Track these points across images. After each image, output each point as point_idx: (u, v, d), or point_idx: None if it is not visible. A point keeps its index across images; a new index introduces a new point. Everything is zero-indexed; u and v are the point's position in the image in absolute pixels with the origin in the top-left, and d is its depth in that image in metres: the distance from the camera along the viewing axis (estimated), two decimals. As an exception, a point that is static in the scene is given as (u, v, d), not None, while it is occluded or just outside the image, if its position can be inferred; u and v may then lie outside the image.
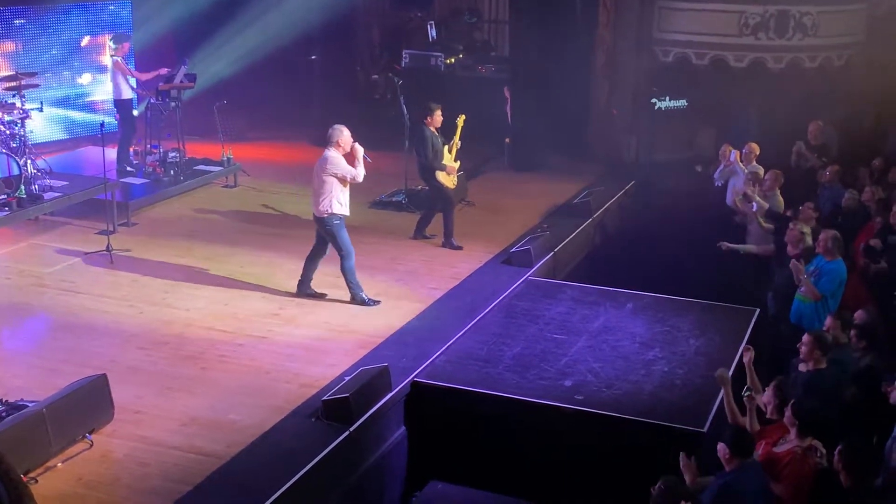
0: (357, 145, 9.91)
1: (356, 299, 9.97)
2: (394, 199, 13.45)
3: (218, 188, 14.30)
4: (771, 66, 15.37)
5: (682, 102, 16.45)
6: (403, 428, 8.22)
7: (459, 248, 11.73)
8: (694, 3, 15.57)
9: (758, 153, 12.76)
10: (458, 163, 12.07)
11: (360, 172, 9.87)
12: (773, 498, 6.01)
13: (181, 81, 14.22)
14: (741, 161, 12.67)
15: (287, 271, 10.82)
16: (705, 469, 6.37)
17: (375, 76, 18.56)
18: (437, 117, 11.81)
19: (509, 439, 7.91)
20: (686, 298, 10.20)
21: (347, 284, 10.00)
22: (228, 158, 14.38)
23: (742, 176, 12.37)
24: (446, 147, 11.90)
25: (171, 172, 13.81)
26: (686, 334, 9.30)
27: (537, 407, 7.89)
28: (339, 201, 9.79)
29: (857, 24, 16.02)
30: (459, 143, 12.05)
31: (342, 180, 9.76)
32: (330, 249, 10.11)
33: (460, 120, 12.08)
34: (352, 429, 7.49)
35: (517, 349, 8.92)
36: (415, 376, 8.34)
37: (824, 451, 6.08)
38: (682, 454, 6.17)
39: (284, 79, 17.53)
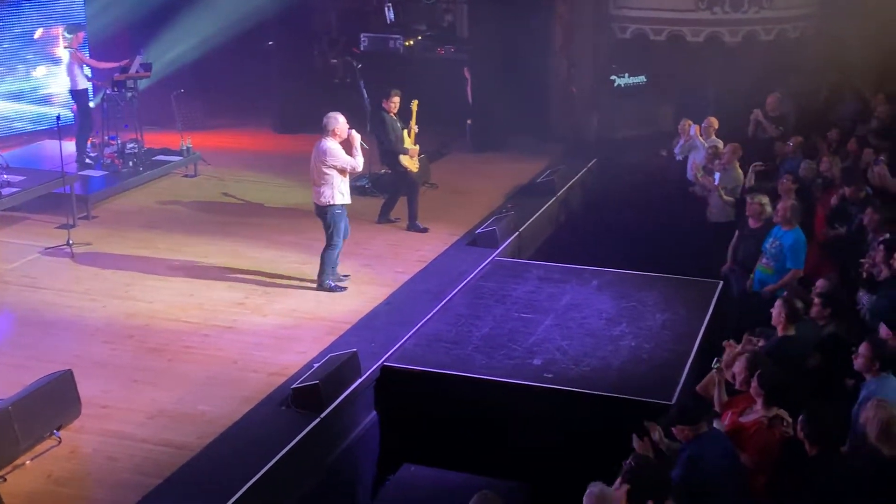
0: (353, 132, 9.82)
1: (322, 286, 9.93)
2: (357, 183, 13.33)
3: (178, 178, 14.17)
4: (727, 39, 15.46)
5: (641, 79, 16.53)
6: (374, 412, 8.21)
7: (425, 230, 11.72)
8: (649, -21, 15.62)
9: (716, 127, 12.87)
10: (418, 146, 12.05)
11: (359, 161, 9.80)
12: (740, 467, 6.08)
13: (137, 71, 14.05)
14: (700, 135, 12.76)
15: (251, 259, 10.77)
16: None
17: (334, 60, 18.46)
18: (395, 102, 11.77)
19: (480, 420, 7.92)
20: (651, 273, 10.27)
21: (320, 269, 9.95)
22: (188, 148, 14.26)
23: (702, 150, 12.47)
24: (405, 131, 11.87)
25: (130, 164, 13.67)
26: (652, 308, 9.36)
27: (507, 386, 7.91)
28: (340, 192, 9.73)
29: (811, -5, 16.16)
30: (416, 127, 12.03)
31: (342, 171, 9.68)
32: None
33: (414, 105, 12.08)
34: (322, 415, 7.48)
35: (485, 330, 8.93)
36: (384, 360, 8.33)
37: (790, 420, 6.15)
38: (633, 435, 6.19)
39: (242, 65, 17.41)
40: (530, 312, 9.31)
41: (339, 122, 9.74)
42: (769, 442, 6.19)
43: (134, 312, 9.50)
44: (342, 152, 9.67)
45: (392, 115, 11.76)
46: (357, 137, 9.81)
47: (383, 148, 11.88)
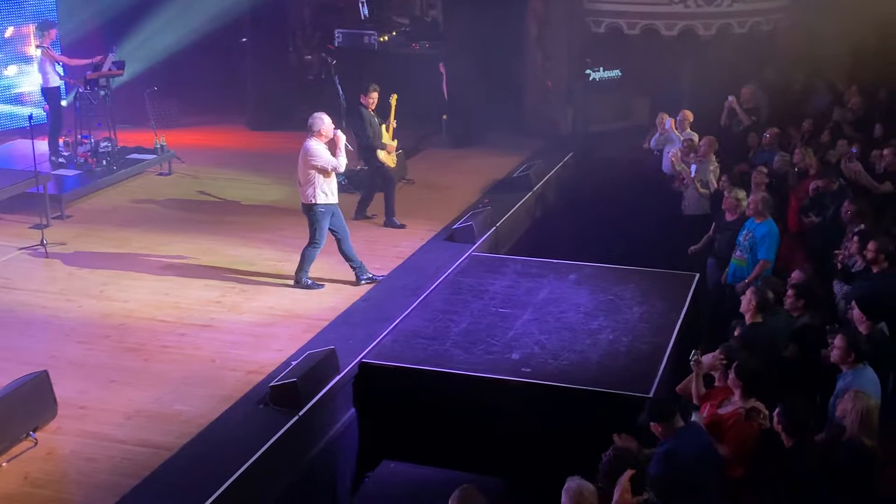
0: (339, 133, 9.80)
1: (300, 282, 9.91)
2: (333, 180, 13.34)
3: (152, 177, 14.08)
4: (701, 33, 15.53)
5: (616, 73, 16.59)
6: (353, 409, 8.20)
7: (402, 226, 11.71)
8: (623, -27, 15.66)
9: (691, 120, 12.92)
10: (396, 141, 12.03)
11: (341, 162, 9.76)
12: (718, 459, 6.11)
13: (109, 69, 13.93)
14: (676, 128, 12.81)
15: (227, 257, 10.72)
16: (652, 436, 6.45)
17: (309, 56, 18.40)
18: (374, 98, 11.74)
19: (459, 415, 7.94)
20: (627, 266, 10.32)
21: (299, 265, 9.91)
22: (162, 146, 14.17)
23: (677, 143, 12.52)
24: (383, 126, 11.85)
25: (104, 163, 13.56)
26: (629, 302, 9.41)
27: (486, 381, 7.93)
28: (323, 191, 9.68)
29: (783, -11, 16.26)
30: (395, 122, 12.00)
31: (323, 171, 9.66)
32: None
33: (393, 99, 12.05)
34: (301, 413, 7.45)
35: (463, 325, 8.94)
36: (362, 357, 8.32)
37: (767, 412, 6.19)
38: (614, 435, 6.21)
39: (216, 62, 17.33)
40: (508, 307, 9.33)
41: (324, 122, 9.72)
42: (747, 433, 6.24)
43: (110, 312, 9.43)
44: (325, 152, 9.65)
45: (370, 110, 11.73)
46: (342, 138, 9.79)
47: (360, 143, 11.84)
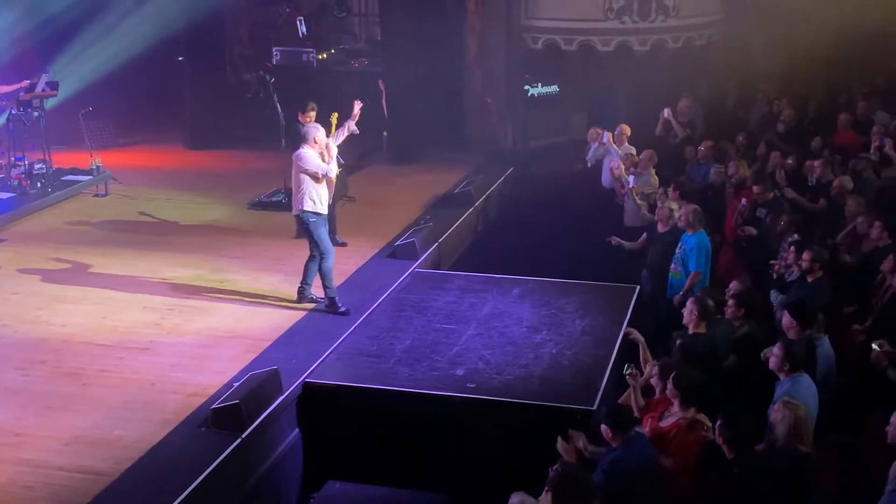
0: (330, 143, 9.80)
1: (331, 304, 9.72)
2: (273, 198, 13.27)
3: (88, 198, 13.86)
4: (636, 48, 15.76)
5: (554, 88, 16.74)
6: (297, 430, 8.13)
7: (343, 244, 11.63)
8: (558, -10, 15.84)
9: (629, 134, 13.09)
10: (341, 160, 11.94)
11: (332, 169, 9.72)
12: (659, 470, 6.17)
13: (43, 90, 13.72)
14: (614, 142, 12.97)
15: (166, 278, 10.58)
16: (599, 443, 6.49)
17: (247, 75, 18.28)
18: (312, 116, 11.68)
19: (405, 432, 7.92)
20: (569, 280, 10.39)
21: (323, 286, 9.74)
22: (97, 167, 13.97)
23: (615, 155, 12.66)
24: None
25: (38, 185, 13.34)
26: (571, 315, 9.48)
27: (430, 398, 7.92)
28: (311, 198, 9.57)
29: (715, 4, 16.58)
30: (337, 141, 11.92)
31: (314, 177, 9.58)
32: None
33: (334, 118, 11.98)
34: (244, 435, 7.36)
35: (407, 342, 8.93)
36: (306, 377, 8.26)
37: (710, 424, 6.26)
38: (558, 438, 6.24)
39: (152, 82, 17.12)
40: (452, 323, 9.34)
41: (319, 131, 9.74)
42: (690, 443, 6.30)
43: (46, 337, 9.25)
44: (316, 158, 9.62)
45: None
46: (334, 149, 9.79)
47: None
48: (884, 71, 16.04)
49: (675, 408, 6.46)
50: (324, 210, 9.73)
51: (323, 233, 9.72)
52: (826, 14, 15.76)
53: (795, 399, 6.22)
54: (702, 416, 6.35)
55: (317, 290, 9.85)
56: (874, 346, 7.16)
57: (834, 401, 7.03)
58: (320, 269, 9.75)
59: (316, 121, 11.68)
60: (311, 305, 9.85)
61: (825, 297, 8.18)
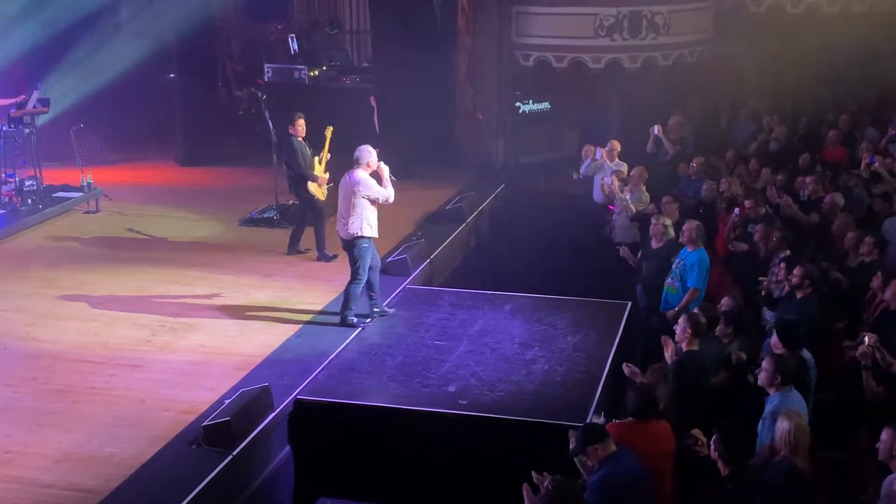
0: (382, 164, 9.62)
1: (345, 320, 9.67)
2: (265, 215, 13.27)
3: (80, 214, 13.85)
4: (627, 65, 15.82)
5: (545, 105, 16.80)
6: (288, 447, 8.10)
7: (334, 257, 11.61)
8: (549, 8, 15.90)
9: (619, 150, 13.16)
10: (328, 174, 11.97)
11: (391, 193, 9.61)
12: (650, 481, 6.16)
13: (34, 107, 13.72)
14: (606, 158, 13.02)
15: (157, 295, 10.55)
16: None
17: (238, 92, 18.31)
18: (300, 126, 11.70)
19: (396, 449, 7.90)
20: (561, 296, 10.40)
21: (344, 304, 9.70)
22: (89, 183, 13.96)
23: (608, 171, 12.72)
24: (316, 158, 11.80)
25: (29, 201, 13.33)
26: (563, 331, 9.48)
27: (422, 415, 7.90)
28: (369, 223, 9.50)
29: (706, 21, 16.66)
30: (329, 154, 11.96)
31: (374, 202, 9.52)
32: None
33: (328, 132, 12.00)
34: (235, 453, 7.33)
35: (399, 359, 8.92)
36: (297, 394, 8.24)
37: (704, 439, 6.26)
38: (533, 472, 6.17)
39: (143, 99, 17.12)
40: (444, 339, 9.34)
41: (371, 154, 9.58)
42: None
43: (37, 354, 9.21)
44: (375, 183, 9.52)
45: (299, 139, 11.68)
46: (386, 170, 9.63)
47: (292, 173, 11.74)
48: (873, 87, 16.13)
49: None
50: (376, 234, 9.66)
51: (368, 260, 9.63)
52: (815, 31, 15.88)
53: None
54: (697, 431, 6.35)
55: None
56: (865, 338, 7.11)
57: (824, 417, 7.05)
58: (347, 289, 9.68)
59: (307, 135, 11.73)
60: (302, 322, 9.84)
61: (814, 314, 8.21)
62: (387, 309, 9.97)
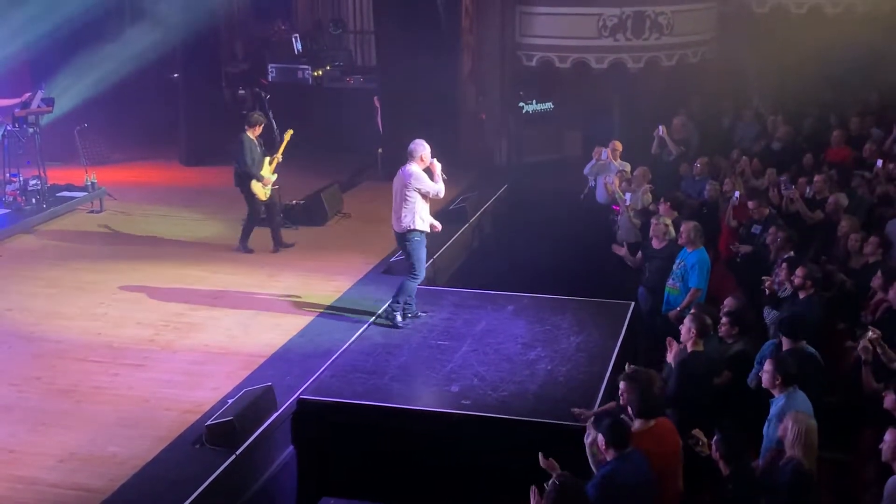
0: (435, 161, 9.63)
1: (389, 316, 9.71)
2: (262, 216, 13.25)
3: (83, 214, 13.86)
4: (630, 66, 15.82)
5: (549, 105, 16.80)
6: (292, 447, 8.11)
7: (250, 251, 11.86)
8: (552, 8, 15.92)
9: (620, 150, 13.17)
10: (276, 176, 11.99)
11: (441, 188, 9.63)
12: (654, 481, 6.15)
13: (38, 106, 13.74)
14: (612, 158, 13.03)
15: (161, 295, 10.57)
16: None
17: (242, 91, 18.34)
18: (257, 130, 11.84)
19: (399, 449, 7.91)
20: (564, 297, 10.40)
21: (393, 299, 9.72)
22: (92, 183, 13.98)
23: (613, 171, 12.73)
24: (267, 159, 11.86)
25: (33, 201, 13.35)
26: (566, 332, 9.49)
27: (425, 415, 7.92)
28: (420, 217, 9.52)
29: (709, 22, 16.67)
30: (280, 157, 12.01)
31: (425, 196, 9.53)
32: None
33: (287, 134, 12.10)
34: (238, 452, 7.34)
35: (402, 358, 8.93)
36: (300, 393, 8.25)
37: (705, 439, 6.25)
38: (540, 454, 6.21)
39: (147, 98, 17.16)
40: (447, 339, 9.35)
41: (426, 149, 9.60)
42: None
43: (41, 353, 9.23)
44: (426, 177, 9.54)
45: (252, 138, 11.79)
46: (438, 166, 9.63)
47: (238, 169, 11.85)
48: (876, 87, 16.12)
49: (637, 423, 6.45)
50: (427, 228, 9.68)
51: (422, 254, 9.65)
52: (818, 32, 15.87)
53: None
54: (698, 432, 6.35)
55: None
56: (869, 333, 7.10)
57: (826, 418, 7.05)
58: (403, 285, 9.70)
59: (262, 134, 11.85)
60: (305, 322, 9.85)
61: (817, 314, 8.20)
62: (420, 313, 9.96)
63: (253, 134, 11.79)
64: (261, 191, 11.82)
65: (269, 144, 12.88)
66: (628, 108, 16.20)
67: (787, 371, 6.59)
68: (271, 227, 12.10)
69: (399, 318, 9.69)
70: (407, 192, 9.45)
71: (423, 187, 9.48)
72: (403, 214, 9.50)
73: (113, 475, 7.09)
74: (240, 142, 11.77)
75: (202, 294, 10.63)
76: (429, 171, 9.58)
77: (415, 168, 9.51)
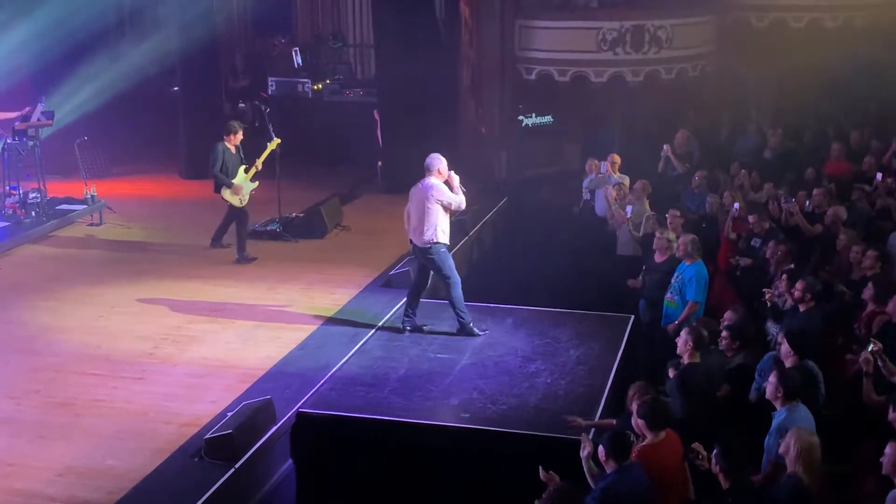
0: (453, 173, 9.71)
1: (465, 329, 9.68)
2: (268, 227, 13.29)
3: (83, 227, 13.86)
4: (630, 79, 15.87)
5: (548, 118, 16.83)
6: (291, 460, 8.09)
7: (253, 259, 12.00)
8: (552, 22, 15.97)
9: (619, 163, 13.20)
10: (257, 183, 12.10)
11: (462, 199, 9.68)
12: (652, 494, 6.14)
13: (38, 119, 13.77)
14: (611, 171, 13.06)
15: (160, 308, 10.56)
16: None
17: (242, 104, 18.37)
18: (237, 137, 11.95)
19: (399, 463, 7.88)
20: (564, 309, 10.39)
21: (456, 314, 9.70)
22: (92, 196, 13.99)
23: (613, 183, 12.74)
24: (243, 167, 11.90)
25: (33, 214, 13.36)
26: (566, 345, 9.48)
27: (425, 428, 7.89)
28: (442, 230, 9.56)
29: (707, 35, 16.72)
30: (260, 166, 12.08)
31: (446, 208, 9.57)
32: (431, 281, 9.90)
33: (272, 144, 12.16)
34: (237, 466, 7.32)
35: (402, 371, 8.91)
36: (300, 407, 8.23)
37: (705, 453, 6.24)
38: (540, 468, 6.19)
39: (147, 112, 17.18)
40: (446, 352, 9.33)
41: (442, 162, 9.67)
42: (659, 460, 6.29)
43: (39, 366, 9.21)
44: (447, 189, 9.59)
45: (228, 146, 11.92)
46: (456, 178, 9.70)
47: (210, 174, 12.06)
48: (875, 100, 16.16)
49: (649, 438, 6.44)
50: (448, 240, 9.72)
51: (451, 262, 9.68)
52: (817, 45, 15.92)
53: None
54: (697, 446, 6.33)
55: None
56: (871, 345, 7.08)
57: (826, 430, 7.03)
58: (451, 298, 9.69)
59: (242, 142, 11.93)
60: (304, 334, 9.83)
61: (817, 327, 8.19)
62: (423, 327, 9.94)
63: (230, 142, 11.95)
64: (233, 198, 11.93)
65: (268, 158, 12.94)
66: (627, 122, 16.24)
67: (791, 385, 6.57)
68: (238, 232, 12.16)
69: (475, 329, 9.68)
70: (428, 205, 9.49)
71: (444, 199, 9.52)
72: (426, 228, 9.53)
73: (111, 488, 7.07)
74: (214, 149, 11.91)
75: (201, 307, 10.62)
76: (447, 184, 9.61)
77: (434, 181, 9.57)
